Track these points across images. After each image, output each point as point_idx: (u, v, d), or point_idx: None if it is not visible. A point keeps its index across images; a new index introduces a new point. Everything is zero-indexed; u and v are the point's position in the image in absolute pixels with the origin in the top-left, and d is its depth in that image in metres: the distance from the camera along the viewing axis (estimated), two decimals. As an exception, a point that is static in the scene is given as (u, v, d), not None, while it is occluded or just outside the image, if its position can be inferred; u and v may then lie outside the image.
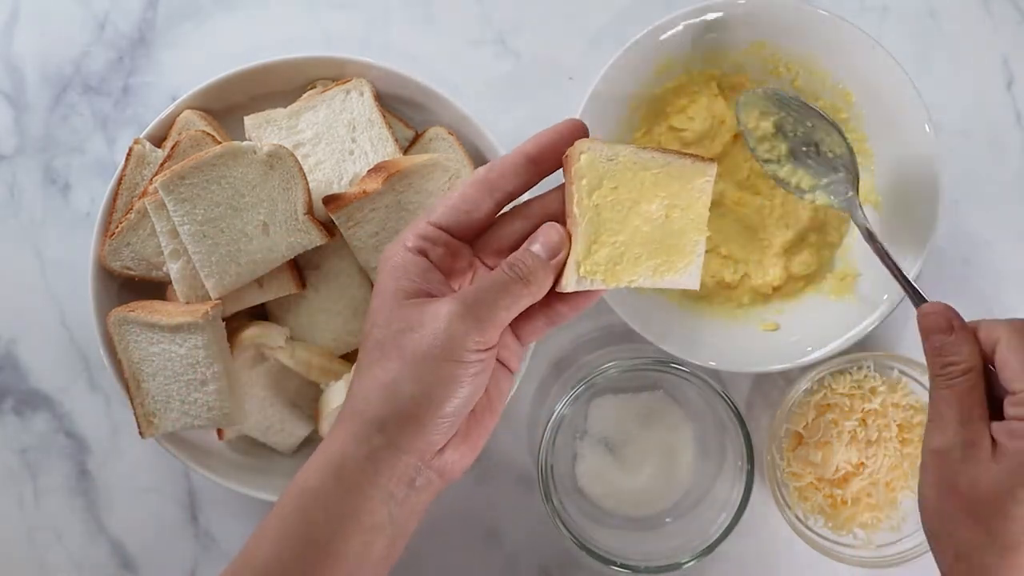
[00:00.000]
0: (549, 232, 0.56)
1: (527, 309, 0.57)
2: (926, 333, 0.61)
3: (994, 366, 0.59)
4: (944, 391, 0.59)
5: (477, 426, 0.58)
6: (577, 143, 0.57)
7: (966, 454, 0.57)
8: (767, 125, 0.76)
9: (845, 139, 0.74)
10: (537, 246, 0.56)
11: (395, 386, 0.54)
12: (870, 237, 0.73)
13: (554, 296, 0.58)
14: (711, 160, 0.58)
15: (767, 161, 0.77)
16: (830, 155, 0.75)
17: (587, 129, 0.59)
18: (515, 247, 0.57)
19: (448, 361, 0.53)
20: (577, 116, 0.77)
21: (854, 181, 0.75)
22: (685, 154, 0.58)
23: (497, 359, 0.58)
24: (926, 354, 0.61)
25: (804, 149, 0.76)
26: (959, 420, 0.58)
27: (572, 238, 0.57)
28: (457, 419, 0.55)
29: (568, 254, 0.56)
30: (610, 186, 0.57)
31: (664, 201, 0.58)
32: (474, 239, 0.59)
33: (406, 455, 0.54)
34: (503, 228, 0.59)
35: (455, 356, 0.53)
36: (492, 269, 0.58)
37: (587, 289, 0.57)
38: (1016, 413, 0.56)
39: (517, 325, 0.59)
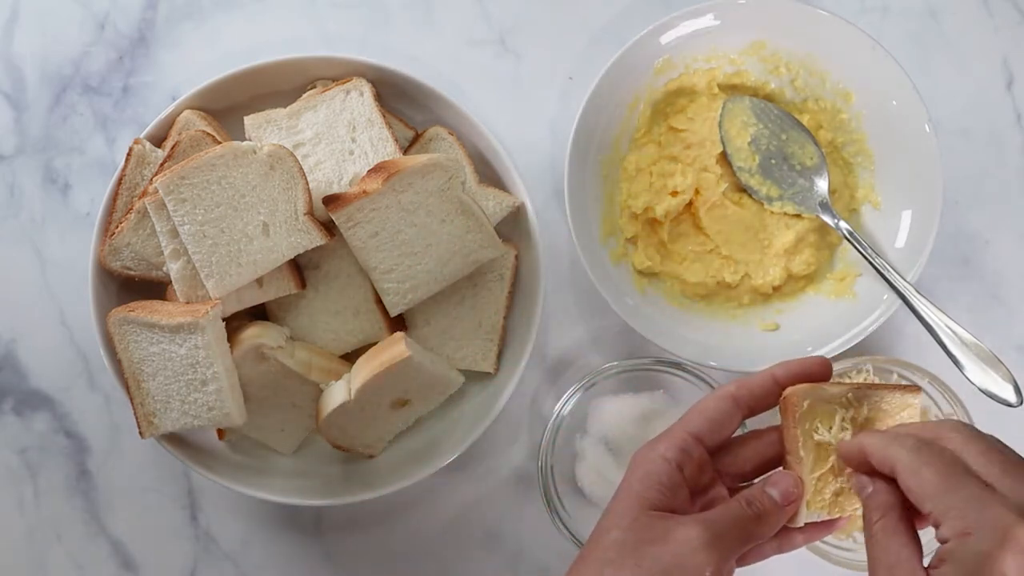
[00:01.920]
0: (787, 480, 0.58)
1: None
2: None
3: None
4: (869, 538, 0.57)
5: None
6: (795, 390, 0.59)
7: None
8: (744, 137, 0.80)
9: (820, 149, 0.79)
10: (775, 491, 0.58)
11: None
12: (851, 237, 0.77)
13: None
14: (915, 389, 0.60)
15: (740, 168, 0.81)
16: (798, 167, 0.80)
17: (831, 368, 0.60)
18: (755, 471, 0.61)
19: None
20: (577, 116, 0.77)
21: (826, 189, 0.79)
22: (894, 387, 0.60)
23: None
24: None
25: (773, 162, 0.80)
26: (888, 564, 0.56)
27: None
28: None
29: (803, 499, 0.58)
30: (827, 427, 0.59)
31: None
32: (717, 452, 0.61)
33: None
34: (746, 449, 0.62)
35: None
36: (729, 488, 0.61)
37: (815, 522, 0.59)
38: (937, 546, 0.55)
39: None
